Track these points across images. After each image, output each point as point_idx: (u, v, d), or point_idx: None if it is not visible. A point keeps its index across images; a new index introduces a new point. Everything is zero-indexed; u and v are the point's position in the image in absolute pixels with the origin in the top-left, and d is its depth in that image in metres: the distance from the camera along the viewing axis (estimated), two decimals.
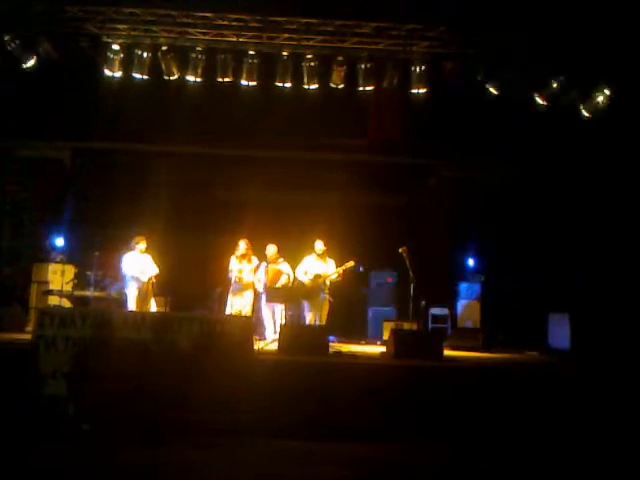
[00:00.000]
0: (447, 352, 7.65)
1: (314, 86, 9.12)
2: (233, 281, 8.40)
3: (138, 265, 8.35)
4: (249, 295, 8.49)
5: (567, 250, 10.05)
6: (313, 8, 8.70)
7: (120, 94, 9.43)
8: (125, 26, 8.82)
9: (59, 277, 8.89)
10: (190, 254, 9.62)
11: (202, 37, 8.93)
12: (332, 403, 5.64)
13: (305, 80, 9.08)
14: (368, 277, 10.11)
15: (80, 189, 10.82)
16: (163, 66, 8.98)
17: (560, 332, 9.12)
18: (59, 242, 9.63)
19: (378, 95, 9.58)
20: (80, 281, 8.96)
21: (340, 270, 8.33)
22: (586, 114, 9.13)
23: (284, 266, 8.57)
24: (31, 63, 8.74)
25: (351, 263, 8.30)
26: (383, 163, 11.12)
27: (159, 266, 8.51)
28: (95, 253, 8.79)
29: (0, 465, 4.26)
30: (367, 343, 9.38)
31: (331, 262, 8.48)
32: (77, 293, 8.79)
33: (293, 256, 8.71)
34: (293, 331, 7.32)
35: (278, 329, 7.68)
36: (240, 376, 5.53)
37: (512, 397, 5.89)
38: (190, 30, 8.89)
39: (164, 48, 8.91)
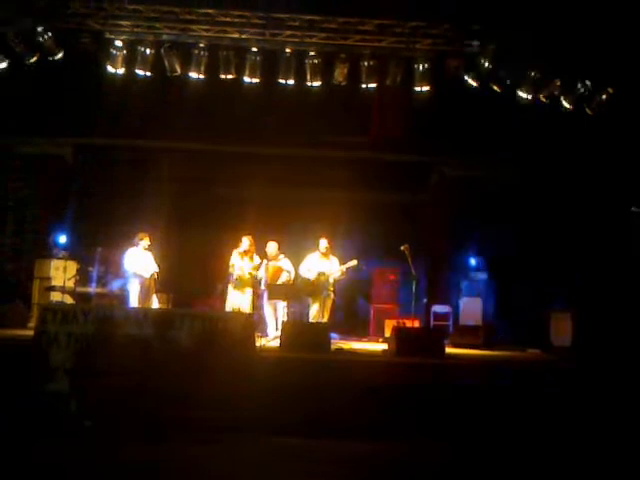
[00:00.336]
0: (449, 350, 7.66)
1: (317, 83, 9.10)
2: (233, 277, 8.39)
3: (140, 261, 8.36)
4: (248, 292, 8.49)
5: (569, 248, 10.04)
6: (316, 5, 8.69)
7: (123, 91, 9.42)
8: (128, 22, 8.81)
9: (61, 273, 8.90)
10: (192, 251, 9.63)
11: (205, 34, 8.92)
12: (333, 400, 5.64)
13: (308, 77, 9.06)
14: (370, 274, 10.11)
15: (82, 185, 10.83)
16: (166, 63, 8.97)
17: (562, 330, 9.12)
18: (61, 238, 9.65)
19: (381, 93, 9.57)
20: (82, 277, 8.97)
21: (343, 268, 8.33)
22: (589, 112, 9.10)
23: (285, 263, 8.57)
24: (33, 59, 8.73)
25: (354, 262, 8.31)
26: (385, 161, 11.10)
27: (161, 263, 8.52)
28: (97, 249, 8.80)
29: (2, 462, 4.27)
30: (369, 340, 9.39)
31: (334, 260, 8.49)
32: (79, 289, 8.79)
33: (295, 253, 8.71)
34: (295, 328, 7.33)
35: (280, 326, 7.69)
36: (242, 373, 5.54)
37: (514, 395, 5.89)
38: (193, 27, 8.87)
39: (167, 45, 8.90)
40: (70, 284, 8.77)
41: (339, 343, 8.03)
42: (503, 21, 8.58)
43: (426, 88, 9.10)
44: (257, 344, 6.33)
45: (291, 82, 9.08)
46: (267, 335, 8.20)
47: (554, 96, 9.04)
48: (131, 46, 8.90)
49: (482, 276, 10.14)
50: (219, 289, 8.73)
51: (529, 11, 8.31)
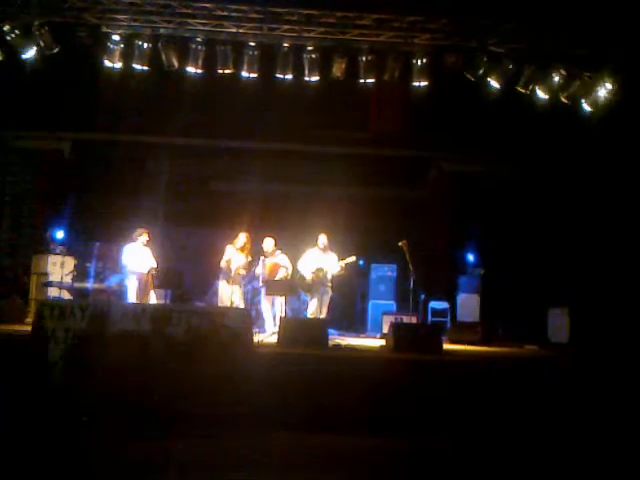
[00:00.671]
0: (446, 346, 7.67)
1: (315, 78, 9.07)
2: (232, 273, 8.37)
3: (138, 257, 8.32)
4: (239, 287, 8.47)
5: (566, 244, 10.05)
6: None
7: (120, 85, 9.38)
8: (125, 16, 8.75)
9: (59, 269, 8.89)
10: (190, 246, 9.63)
11: (202, 28, 8.87)
12: (331, 396, 5.65)
13: (306, 72, 9.03)
14: (368, 270, 10.11)
15: (80, 180, 10.80)
16: (163, 57, 8.92)
17: (559, 326, 9.14)
18: (59, 234, 9.63)
19: (379, 88, 9.54)
20: (80, 273, 8.96)
21: (342, 264, 8.32)
22: (588, 109, 9.09)
23: (282, 259, 8.57)
24: (30, 54, 8.68)
25: (353, 257, 8.30)
26: (384, 156, 11.10)
27: (158, 258, 8.49)
28: (95, 245, 8.78)
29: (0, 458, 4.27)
30: (367, 336, 9.39)
31: (332, 255, 8.48)
32: (77, 285, 8.79)
33: (292, 249, 8.70)
34: (293, 324, 7.33)
35: (277, 322, 7.69)
36: (239, 368, 5.54)
37: (511, 391, 5.90)
38: (190, 21, 8.83)
39: (164, 39, 8.85)
40: (67, 279, 8.76)
41: (337, 339, 8.03)
42: (501, 16, 8.56)
43: (424, 83, 9.07)
44: (255, 340, 6.33)
45: (289, 77, 9.04)
46: (265, 331, 8.20)
47: (552, 91, 9.02)
48: (128, 40, 8.85)
49: (480, 272, 10.14)
50: (216, 285, 8.72)
51: (527, 5, 8.29)
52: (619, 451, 4.99)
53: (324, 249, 8.42)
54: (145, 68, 8.98)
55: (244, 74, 9.00)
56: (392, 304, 9.86)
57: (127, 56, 8.90)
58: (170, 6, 8.68)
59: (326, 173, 10.61)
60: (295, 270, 8.49)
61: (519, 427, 5.48)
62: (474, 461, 4.85)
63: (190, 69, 8.98)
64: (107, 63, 8.93)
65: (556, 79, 8.93)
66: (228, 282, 8.36)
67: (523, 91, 9.00)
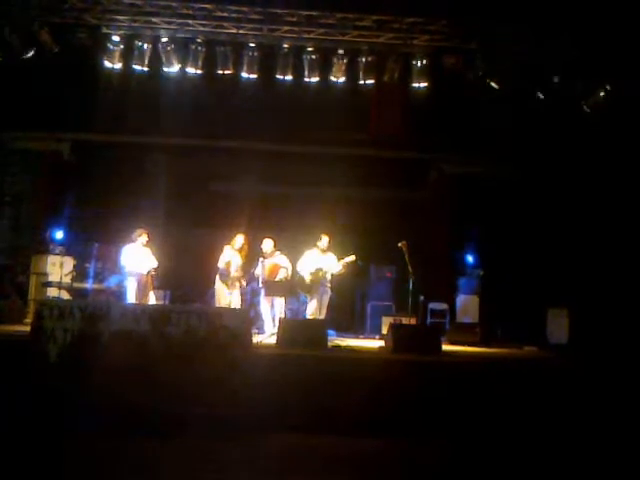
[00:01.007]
0: (445, 347, 7.67)
1: (314, 79, 9.08)
2: (224, 272, 8.35)
3: (137, 257, 8.31)
4: (237, 289, 8.47)
5: (566, 245, 10.06)
6: (314, 1, 8.66)
7: (119, 86, 9.39)
8: (125, 17, 8.77)
9: (58, 269, 8.87)
10: (189, 247, 9.62)
11: (202, 29, 8.88)
12: (330, 397, 5.64)
13: (305, 73, 9.04)
14: (367, 271, 10.11)
15: (79, 181, 10.80)
16: (163, 58, 8.94)
17: (558, 327, 9.15)
18: (58, 234, 9.62)
19: (379, 89, 9.55)
20: (79, 273, 8.96)
21: (343, 263, 8.31)
22: (587, 109, 9.10)
23: (281, 259, 8.56)
24: (30, 54, 8.69)
25: (352, 257, 8.30)
26: (384, 157, 11.10)
27: (158, 259, 8.49)
28: (94, 245, 8.78)
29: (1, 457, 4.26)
30: (366, 337, 9.39)
31: (331, 256, 8.48)
32: (76, 285, 8.78)
33: (292, 250, 8.69)
34: (292, 325, 7.33)
35: (277, 323, 7.69)
36: (238, 369, 5.54)
37: (510, 392, 5.90)
38: (190, 22, 8.84)
39: (164, 40, 8.86)
40: (67, 280, 8.75)
41: (336, 340, 8.02)
42: (501, 17, 8.57)
43: (424, 84, 9.08)
44: (254, 340, 6.33)
45: (289, 78, 9.05)
46: (264, 332, 8.19)
47: (552, 93, 9.03)
48: (128, 41, 8.87)
49: (479, 273, 10.14)
50: (213, 288, 8.71)
51: (527, 6, 8.30)
52: (619, 451, 4.99)
53: (324, 250, 8.42)
54: (145, 69, 8.99)
55: (244, 75, 9.02)
56: (391, 305, 9.85)
57: (127, 57, 8.92)
58: (170, 7, 8.69)
59: (326, 174, 10.61)
60: (294, 271, 8.49)
61: (518, 428, 5.48)
62: (473, 462, 4.85)
63: (190, 70, 8.99)
64: (107, 64, 8.95)
65: (556, 81, 8.94)
66: (226, 283, 8.36)
67: (523, 92, 9.00)
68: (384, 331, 8.60)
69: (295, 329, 7.10)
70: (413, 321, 8.69)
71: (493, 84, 8.96)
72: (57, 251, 9.31)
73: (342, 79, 9.17)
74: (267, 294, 8.35)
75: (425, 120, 10.24)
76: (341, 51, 8.98)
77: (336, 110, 9.95)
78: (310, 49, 8.92)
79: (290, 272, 8.50)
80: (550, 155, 10.18)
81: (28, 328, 6.02)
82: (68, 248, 9.41)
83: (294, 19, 8.78)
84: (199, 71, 9.03)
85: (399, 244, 8.06)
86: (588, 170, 9.92)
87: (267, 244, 8.55)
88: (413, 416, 5.58)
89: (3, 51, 8.65)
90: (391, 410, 5.60)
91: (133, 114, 10.29)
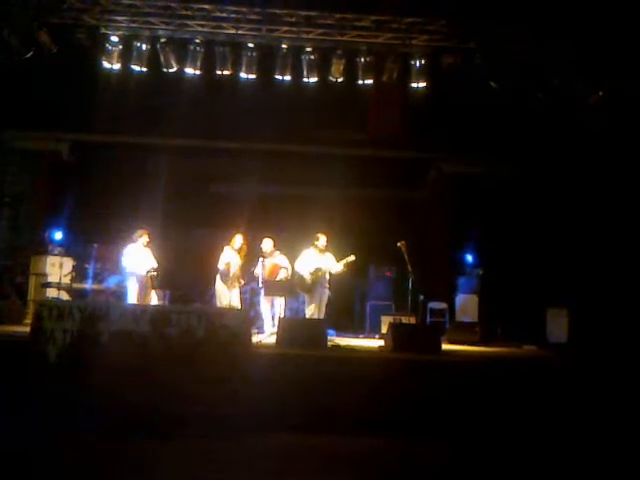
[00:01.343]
0: (445, 346, 7.67)
1: (313, 79, 9.08)
2: (231, 274, 8.38)
3: (138, 258, 8.30)
4: (236, 288, 8.48)
5: (565, 245, 10.07)
6: (312, 1, 8.66)
7: (119, 86, 9.39)
8: (124, 17, 8.77)
9: (57, 269, 8.87)
10: (189, 247, 9.63)
11: (200, 29, 8.89)
12: (330, 397, 5.65)
13: (304, 73, 9.04)
14: (367, 271, 10.12)
15: (78, 182, 10.80)
16: (162, 58, 8.94)
17: (558, 326, 9.16)
18: (57, 235, 9.62)
19: (378, 89, 9.55)
20: (78, 274, 8.96)
21: (342, 264, 8.31)
22: (588, 110, 9.10)
23: (281, 259, 8.57)
24: (29, 55, 8.68)
25: (352, 257, 8.30)
26: (382, 157, 11.11)
27: (158, 259, 8.49)
28: (93, 246, 8.78)
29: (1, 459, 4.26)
30: (365, 337, 9.40)
31: (329, 256, 8.48)
32: (75, 286, 8.78)
33: (291, 250, 8.70)
34: (292, 324, 7.33)
35: (276, 322, 7.69)
36: (238, 369, 5.54)
37: (510, 391, 5.90)
38: (189, 22, 8.84)
39: (163, 40, 8.87)
40: (66, 280, 8.75)
41: (335, 340, 8.03)
42: (500, 16, 8.58)
43: (423, 84, 9.09)
44: (253, 340, 6.33)
45: (287, 78, 9.06)
46: (264, 331, 8.20)
47: (551, 92, 9.03)
48: (127, 41, 8.87)
49: (478, 272, 10.15)
50: (213, 288, 8.72)
51: (526, 6, 8.31)
52: (618, 451, 4.99)
53: (322, 249, 8.42)
54: (144, 69, 8.99)
55: (243, 75, 9.02)
56: (391, 304, 9.86)
57: (126, 57, 8.92)
58: (169, 7, 8.70)
59: (325, 174, 10.62)
60: (294, 271, 8.49)
61: (518, 427, 5.49)
62: (473, 461, 4.85)
63: (189, 70, 8.99)
64: (106, 64, 8.95)
65: (555, 81, 8.95)
66: (226, 283, 8.36)
67: (522, 92, 9.01)
68: (384, 330, 8.61)
69: (295, 329, 7.11)
70: (413, 320, 8.70)
71: (492, 84, 8.97)
72: (56, 252, 9.31)
73: (341, 79, 9.18)
74: (267, 294, 8.36)
75: (424, 120, 10.25)
76: (340, 51, 8.98)
77: (335, 110, 9.96)
78: (309, 49, 8.92)
79: (290, 272, 8.51)
80: (549, 155, 10.20)
81: (28, 329, 6.02)
82: (67, 249, 9.41)
83: (293, 19, 8.78)
84: (198, 71, 9.03)
85: (398, 244, 8.07)
86: (587, 170, 9.93)
87: (267, 244, 8.56)
88: (413, 415, 5.58)
89: (2, 51, 8.65)
90: (391, 409, 5.60)
91: (132, 115, 10.29)
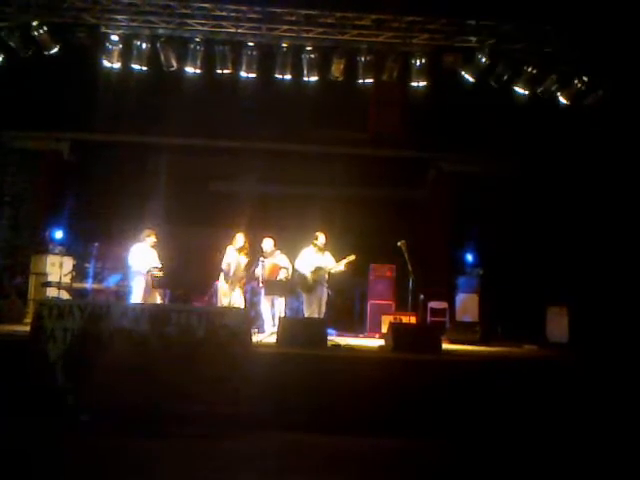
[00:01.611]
0: (445, 345, 7.67)
1: (314, 78, 9.07)
2: (231, 273, 8.38)
3: (145, 257, 8.31)
4: (239, 288, 8.48)
5: (565, 244, 10.06)
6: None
7: (119, 86, 9.38)
8: (124, 16, 8.75)
9: (57, 269, 8.86)
10: (189, 246, 9.63)
11: (201, 28, 8.87)
12: (330, 396, 5.65)
13: (305, 72, 9.03)
14: (367, 270, 10.11)
15: (78, 181, 10.80)
16: (162, 57, 8.92)
17: (558, 325, 9.15)
18: (57, 234, 9.61)
19: (378, 88, 9.54)
20: (79, 273, 8.96)
21: (344, 263, 8.31)
22: (587, 109, 9.09)
23: (281, 259, 8.57)
24: (29, 54, 8.67)
25: (352, 257, 8.30)
26: (382, 156, 11.11)
27: (159, 258, 8.49)
28: (94, 245, 8.78)
29: (2, 457, 4.26)
30: (365, 336, 9.39)
31: (328, 255, 8.48)
32: (75, 285, 8.78)
33: (291, 250, 8.70)
34: (292, 324, 7.33)
35: (276, 322, 7.69)
36: (238, 368, 5.54)
37: (510, 390, 5.90)
38: (189, 21, 8.83)
39: (163, 39, 8.85)
40: (66, 280, 8.75)
41: (336, 339, 8.03)
42: (500, 15, 8.57)
43: (423, 83, 9.07)
44: (254, 340, 6.33)
45: (288, 77, 9.04)
46: (264, 331, 8.20)
47: (551, 91, 9.03)
48: (127, 40, 8.85)
49: (479, 272, 10.15)
50: (215, 285, 8.72)
51: (525, 6, 8.30)
52: (619, 450, 4.99)
53: (322, 248, 8.42)
54: (144, 68, 8.98)
55: (243, 74, 9.00)
56: (391, 304, 9.85)
57: (126, 56, 8.90)
58: (169, 6, 8.68)
59: (325, 173, 10.62)
60: (294, 270, 8.49)
61: (518, 427, 5.49)
62: (474, 460, 4.85)
63: (189, 69, 8.98)
64: (106, 63, 8.93)
65: (555, 79, 8.94)
66: (228, 283, 8.37)
67: (522, 91, 9.01)
68: (384, 330, 8.61)
69: (295, 328, 7.10)
70: (413, 320, 8.70)
71: (492, 83, 8.96)
72: (56, 251, 9.30)
73: (341, 78, 9.16)
74: (267, 293, 8.36)
75: (424, 119, 10.25)
76: (340, 50, 8.97)
77: (335, 109, 9.96)
78: (309, 48, 8.90)
79: (290, 272, 8.51)
80: (549, 153, 10.19)
81: (28, 328, 6.02)
82: (67, 248, 9.41)
83: (293, 18, 8.77)
84: (198, 70, 9.01)
85: (399, 243, 8.07)
86: (587, 168, 9.93)
87: (267, 243, 8.56)
88: (413, 415, 5.58)
89: (2, 51, 8.64)
90: (391, 409, 5.60)
91: (132, 114, 10.29)
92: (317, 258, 8.41)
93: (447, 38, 8.96)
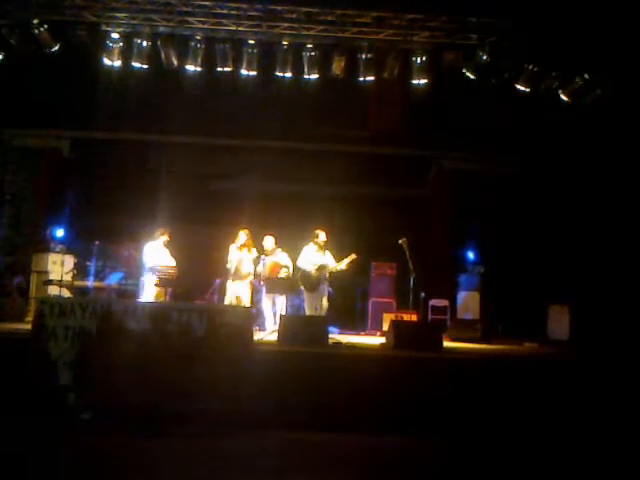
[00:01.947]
0: (446, 343, 7.66)
1: (314, 76, 9.06)
2: (232, 271, 8.40)
3: (159, 255, 8.34)
4: (247, 285, 8.49)
5: (566, 241, 10.05)
6: None
7: (119, 83, 9.38)
8: (124, 14, 8.74)
9: (59, 267, 8.87)
10: (190, 244, 9.61)
11: (201, 26, 8.87)
12: (331, 394, 5.65)
13: (305, 70, 9.02)
14: (368, 268, 10.11)
15: (79, 179, 10.80)
16: (163, 55, 8.92)
17: (559, 323, 9.14)
18: (59, 232, 9.61)
19: (379, 86, 9.53)
20: (80, 271, 8.96)
21: (345, 263, 8.30)
22: (587, 107, 9.08)
23: (282, 257, 8.57)
24: (30, 52, 8.67)
25: (354, 256, 8.30)
26: (383, 154, 11.09)
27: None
28: (94, 243, 8.78)
29: (2, 455, 4.27)
30: (367, 334, 9.40)
31: (328, 254, 8.48)
32: (77, 283, 8.78)
33: (292, 248, 8.70)
34: (293, 322, 7.33)
35: (278, 320, 7.69)
36: (240, 366, 5.54)
37: (511, 388, 5.90)
38: (189, 19, 8.82)
39: (163, 37, 8.85)
40: (67, 278, 8.75)
41: (337, 337, 8.03)
42: (501, 14, 8.55)
43: (424, 81, 9.06)
44: (255, 338, 6.33)
45: (288, 75, 9.04)
46: (265, 329, 8.20)
47: (552, 89, 9.01)
48: (127, 38, 8.85)
49: (480, 269, 10.14)
50: (217, 283, 8.73)
51: (527, 3, 8.28)
52: (619, 448, 4.99)
53: (322, 245, 8.41)
54: (144, 66, 8.98)
55: (243, 72, 9.00)
56: (392, 302, 9.85)
57: (126, 54, 8.90)
58: (169, 4, 8.67)
59: (326, 171, 10.61)
60: (296, 268, 8.49)
61: (519, 424, 5.49)
62: (474, 458, 4.85)
63: (189, 67, 8.98)
64: (106, 61, 8.93)
65: (555, 77, 8.93)
66: (234, 281, 8.40)
67: (522, 88, 8.99)
68: (385, 328, 8.61)
69: (296, 326, 7.10)
70: (414, 318, 8.70)
71: (493, 81, 8.94)
72: (58, 249, 9.29)
73: (341, 76, 9.15)
74: (268, 291, 8.36)
75: (425, 117, 10.23)
76: (341, 48, 8.96)
77: (336, 107, 9.94)
78: (310, 46, 8.89)
79: (291, 270, 8.51)
80: (550, 151, 10.18)
81: (29, 326, 6.03)
82: (69, 246, 9.40)
83: (293, 16, 8.76)
84: (198, 68, 9.01)
85: (400, 241, 8.06)
86: (588, 166, 9.91)
87: (268, 241, 8.57)
88: (414, 413, 5.58)
89: (2, 48, 8.63)
90: (392, 407, 5.60)
91: (132, 112, 10.28)
92: (318, 256, 8.41)
93: (448, 36, 8.95)
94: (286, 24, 8.84)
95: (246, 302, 8.37)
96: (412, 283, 8.09)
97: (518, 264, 10.03)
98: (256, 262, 8.49)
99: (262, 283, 8.43)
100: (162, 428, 4.99)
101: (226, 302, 8.41)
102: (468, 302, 9.90)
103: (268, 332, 7.92)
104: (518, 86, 8.98)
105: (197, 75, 9.09)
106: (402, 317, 8.82)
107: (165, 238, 8.39)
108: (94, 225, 9.98)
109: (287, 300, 8.59)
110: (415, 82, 9.11)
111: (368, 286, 10.16)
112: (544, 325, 9.23)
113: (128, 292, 8.96)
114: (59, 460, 4.31)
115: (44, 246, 9.49)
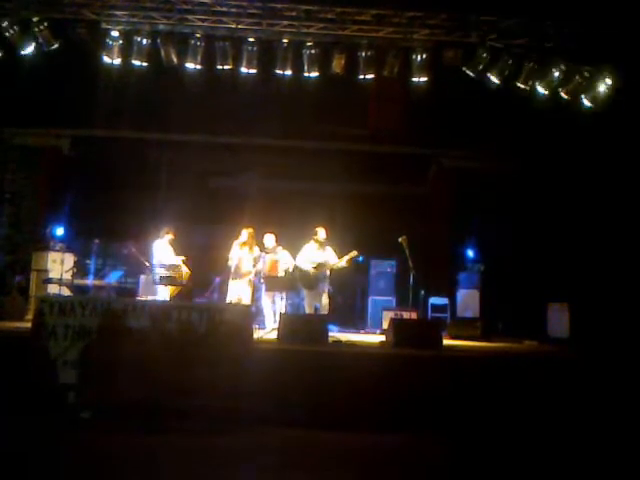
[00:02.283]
0: (446, 341, 7.68)
1: (314, 74, 9.05)
2: (233, 269, 8.41)
3: (165, 253, 8.37)
4: (247, 283, 8.50)
5: (566, 239, 10.05)
6: None
7: (119, 81, 9.37)
8: (124, 12, 8.73)
9: (59, 265, 8.87)
10: (189, 243, 9.62)
11: (201, 24, 8.85)
12: (331, 392, 5.65)
13: (305, 68, 9.01)
14: (368, 266, 10.12)
15: (79, 177, 10.79)
16: (162, 53, 8.91)
17: (559, 321, 9.14)
18: (58, 231, 9.61)
19: (379, 83, 9.52)
20: (80, 269, 8.96)
21: (345, 259, 8.30)
22: (588, 104, 9.07)
23: (283, 255, 8.57)
24: (29, 50, 8.66)
25: (354, 252, 8.30)
26: (383, 152, 11.09)
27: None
28: (94, 241, 8.78)
29: (2, 454, 4.27)
30: (366, 332, 9.40)
31: (329, 250, 8.48)
32: (77, 281, 8.79)
33: (293, 245, 8.70)
34: (293, 320, 7.33)
35: (277, 318, 7.70)
36: (239, 364, 5.54)
37: (511, 386, 5.90)
38: (189, 16, 8.81)
39: (163, 35, 8.84)
40: (67, 276, 8.75)
41: (337, 335, 8.04)
42: (501, 11, 8.53)
43: (424, 79, 9.05)
44: (254, 336, 6.34)
45: (288, 73, 9.03)
46: (265, 327, 8.21)
47: (552, 87, 9.00)
48: (127, 36, 8.83)
49: (480, 268, 10.14)
50: (217, 281, 8.73)
51: (526, 0, 8.27)
52: (619, 447, 4.99)
53: (322, 243, 8.41)
54: (144, 64, 8.97)
55: (243, 70, 8.99)
56: (392, 300, 9.86)
57: (126, 52, 8.88)
58: (169, 2, 8.66)
59: (326, 169, 10.60)
60: (295, 265, 8.49)
61: (519, 422, 5.49)
62: (474, 456, 4.86)
63: (189, 65, 8.97)
64: (106, 59, 8.92)
65: (556, 74, 8.91)
66: (236, 279, 8.40)
67: (523, 86, 8.98)
68: (385, 326, 8.61)
69: (296, 324, 7.11)
70: (414, 316, 8.71)
71: (493, 78, 8.93)
72: (57, 248, 9.30)
73: (341, 74, 9.14)
74: (268, 289, 8.37)
75: (425, 115, 10.21)
76: (341, 46, 8.94)
77: (336, 105, 9.92)
78: (309, 44, 8.88)
79: (292, 268, 8.51)
80: (550, 149, 10.16)
81: (29, 325, 6.03)
82: (68, 245, 9.41)
83: (293, 14, 8.74)
84: (198, 66, 9.00)
85: (399, 239, 8.07)
86: (588, 164, 9.90)
87: (269, 239, 8.58)
88: (414, 411, 5.59)
89: (2, 46, 8.62)
90: (392, 405, 5.61)
91: (132, 110, 10.27)
92: (318, 253, 8.41)
93: (448, 33, 8.93)
94: (286, 22, 8.82)
95: (246, 300, 8.38)
96: (412, 281, 8.09)
97: (518, 262, 10.03)
98: (257, 260, 8.50)
99: (262, 281, 8.44)
100: (162, 426, 5.00)
101: (228, 300, 8.42)
102: (468, 300, 9.91)
103: (268, 330, 7.93)
104: (518, 84, 8.96)
105: (197, 73, 9.07)
106: (402, 315, 8.82)
107: (170, 237, 8.49)
108: (94, 223, 9.99)
109: (286, 298, 8.59)
110: (415, 80, 9.09)
111: (368, 284, 10.17)
112: (544, 323, 9.23)
113: (128, 290, 8.97)
114: (59, 458, 4.32)
115: (44, 244, 9.49)
